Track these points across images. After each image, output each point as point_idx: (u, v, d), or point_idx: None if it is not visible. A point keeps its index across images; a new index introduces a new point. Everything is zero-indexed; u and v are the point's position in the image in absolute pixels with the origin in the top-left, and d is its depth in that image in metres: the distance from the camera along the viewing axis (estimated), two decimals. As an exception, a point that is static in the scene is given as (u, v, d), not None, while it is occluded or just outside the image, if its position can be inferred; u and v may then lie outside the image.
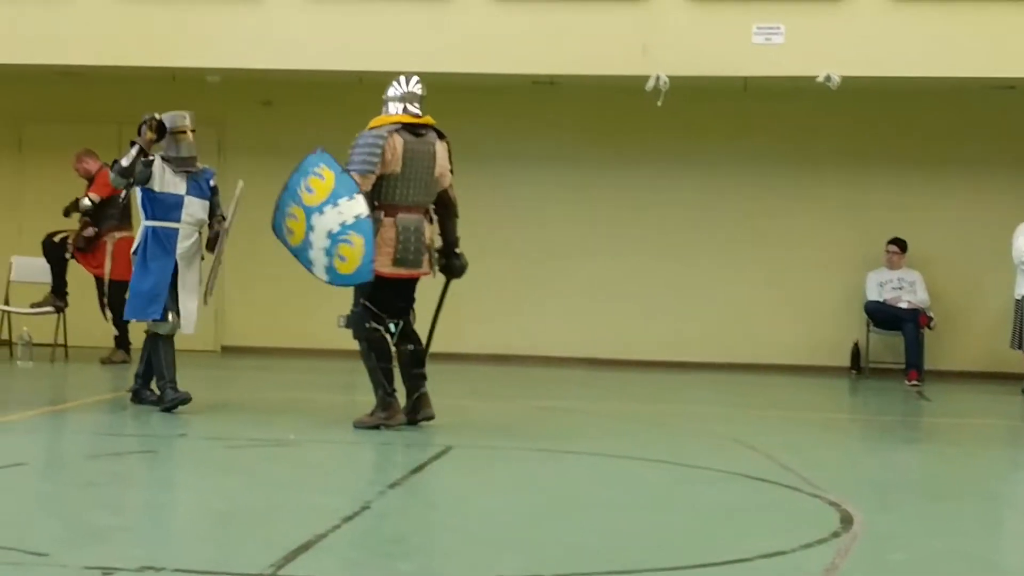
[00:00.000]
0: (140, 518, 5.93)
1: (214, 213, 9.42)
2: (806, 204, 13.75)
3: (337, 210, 8.09)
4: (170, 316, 9.13)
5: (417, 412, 8.49)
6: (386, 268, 8.30)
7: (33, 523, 5.73)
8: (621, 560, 5.30)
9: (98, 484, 6.73)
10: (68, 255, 12.35)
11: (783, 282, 13.72)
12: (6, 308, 12.83)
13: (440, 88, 12.19)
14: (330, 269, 8.21)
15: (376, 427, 8.33)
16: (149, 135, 9.10)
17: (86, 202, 12.09)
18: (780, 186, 13.77)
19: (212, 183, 9.50)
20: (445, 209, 8.62)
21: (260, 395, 10.85)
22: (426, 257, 8.48)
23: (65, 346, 12.70)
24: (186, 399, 9.12)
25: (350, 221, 8.07)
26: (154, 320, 9.17)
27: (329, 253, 8.16)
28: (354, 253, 8.09)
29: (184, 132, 9.32)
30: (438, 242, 8.65)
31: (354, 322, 8.47)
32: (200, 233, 9.35)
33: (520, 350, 13.81)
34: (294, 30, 12.42)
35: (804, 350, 13.60)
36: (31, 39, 12.49)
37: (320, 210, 8.15)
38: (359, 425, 8.38)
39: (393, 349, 8.49)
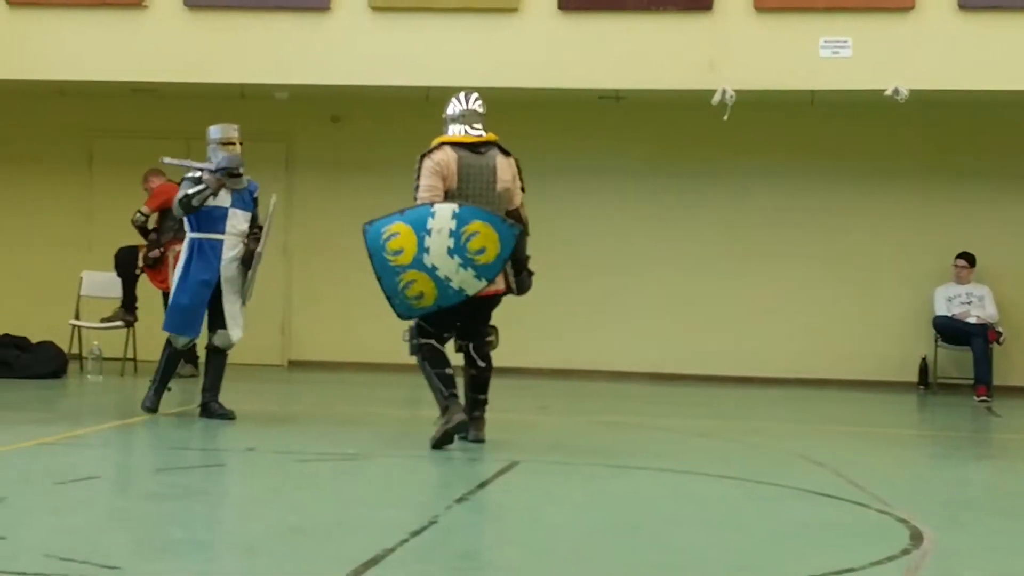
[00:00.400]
0: (210, 532, 5.98)
1: (253, 225, 9.56)
2: (874, 218, 13.67)
3: (434, 233, 7.93)
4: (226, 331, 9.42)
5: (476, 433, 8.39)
6: None
7: (105, 536, 5.78)
8: (689, 577, 5.30)
9: (168, 497, 6.79)
10: (138, 271, 12.50)
11: (850, 296, 13.64)
12: (77, 322, 12.99)
13: (506, 103, 12.24)
14: (480, 271, 8.00)
15: (443, 437, 8.14)
16: (224, 181, 9.37)
17: (138, 216, 12.25)
18: (847, 200, 13.70)
19: (255, 195, 9.62)
20: None
21: (327, 409, 10.92)
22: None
23: (135, 360, 12.84)
24: (154, 412, 9.60)
25: (454, 224, 7.95)
26: (176, 335, 9.51)
27: (467, 264, 7.97)
28: (485, 238, 7.95)
29: (232, 143, 9.49)
30: None
31: (408, 338, 8.37)
32: (243, 244, 9.48)
33: (585, 365, 13.82)
34: (362, 47, 12.50)
35: (872, 365, 13.51)
36: (102, 56, 12.66)
37: (424, 250, 7.95)
38: (433, 442, 8.15)
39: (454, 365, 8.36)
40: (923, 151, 13.63)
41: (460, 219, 7.95)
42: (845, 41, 12.08)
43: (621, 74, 12.34)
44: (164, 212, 12.08)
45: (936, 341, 13.18)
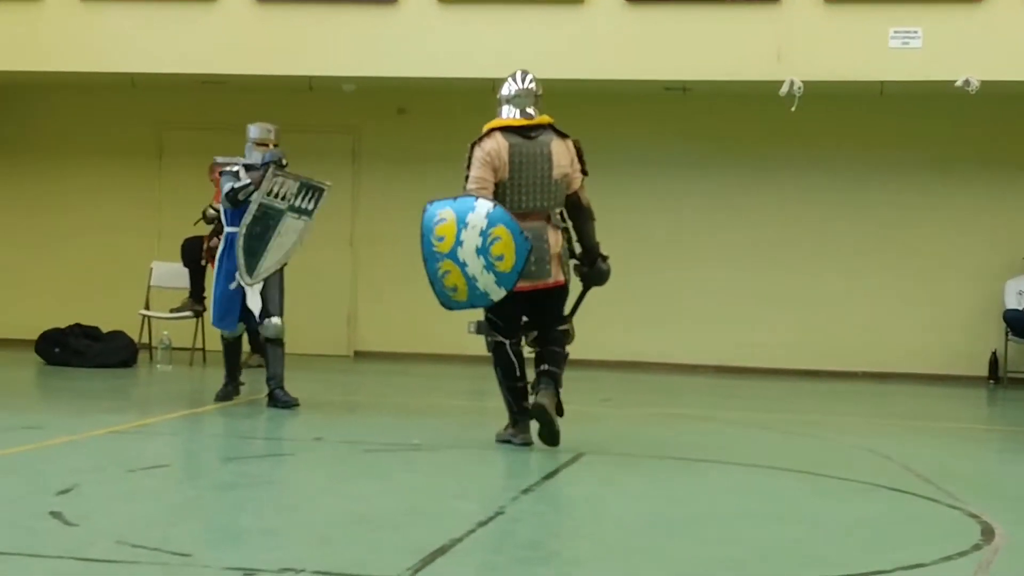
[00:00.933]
0: (279, 520, 6.02)
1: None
2: (943, 211, 13.54)
3: (470, 227, 7.62)
4: (278, 321, 9.60)
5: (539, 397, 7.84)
6: None
7: (176, 524, 5.84)
8: (758, 571, 5.26)
9: (237, 486, 6.85)
10: (203, 261, 12.61)
11: (919, 290, 13.52)
12: (146, 313, 13.13)
13: (573, 95, 12.23)
14: (499, 279, 7.58)
15: (507, 442, 8.05)
16: (263, 175, 9.53)
17: (211, 211, 12.36)
18: (917, 192, 13.57)
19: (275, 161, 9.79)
20: (579, 212, 8.03)
21: (393, 400, 10.96)
22: (554, 266, 7.85)
23: (203, 350, 12.96)
24: (229, 397, 9.95)
25: (485, 224, 7.56)
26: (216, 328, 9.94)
27: (489, 267, 7.58)
28: (505, 244, 7.53)
29: (265, 145, 9.73)
30: (578, 248, 8.12)
31: (475, 330, 8.07)
32: None
33: (649, 357, 13.78)
34: (428, 38, 12.53)
35: (940, 359, 13.39)
36: (172, 48, 12.78)
37: (459, 243, 7.60)
38: (498, 438, 8.12)
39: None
40: (993, 143, 13.47)
41: (491, 219, 7.57)
42: (915, 32, 11.96)
43: (688, 65, 12.29)
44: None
45: (1007, 335, 13.04)
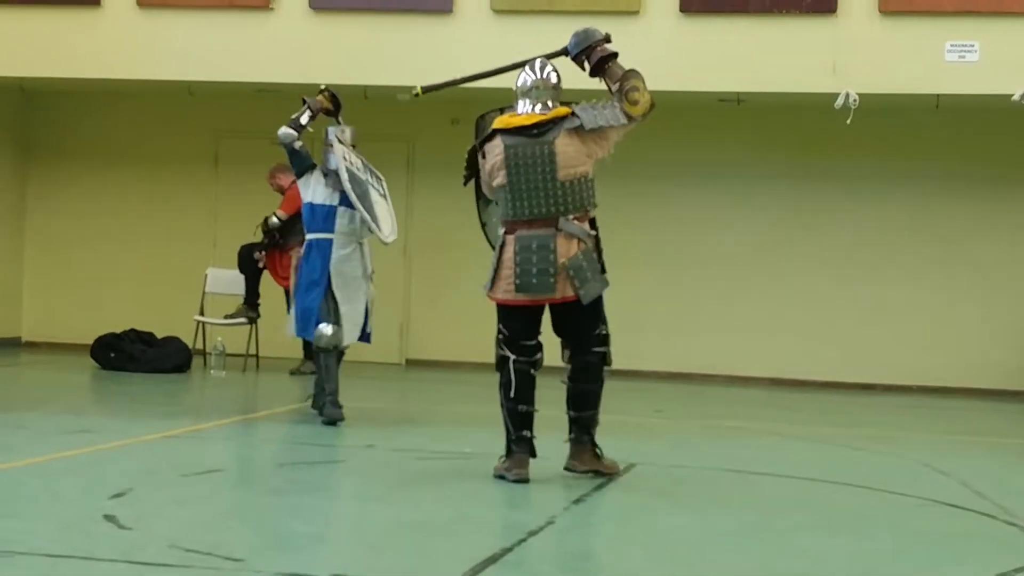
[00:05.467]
0: (331, 527, 6.04)
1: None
2: (1001, 224, 13.43)
3: None
4: (329, 330, 9.15)
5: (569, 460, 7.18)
6: (508, 294, 7.12)
7: (228, 529, 5.88)
8: (811, 584, 5.24)
9: (289, 492, 6.87)
10: (261, 265, 12.66)
11: (975, 303, 13.41)
12: (201, 319, 13.21)
13: (627, 105, 12.16)
14: None
15: (501, 477, 7.16)
16: (323, 101, 9.54)
17: (274, 220, 12.41)
18: (973, 206, 13.47)
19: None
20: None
21: (445, 408, 10.98)
22: (560, 280, 6.96)
23: (257, 356, 13.02)
24: (340, 419, 9.15)
25: None
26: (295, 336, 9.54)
27: None
28: None
29: (332, 146, 9.46)
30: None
31: (496, 347, 7.33)
32: (360, 244, 9.42)
33: (702, 368, 13.73)
34: (482, 48, 12.53)
35: (998, 374, 13.27)
36: (229, 57, 12.87)
37: None
38: (494, 472, 7.23)
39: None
40: (1051, 157, 13.37)
41: None
42: (972, 45, 11.87)
43: (742, 77, 12.25)
44: (292, 216, 12.23)
45: (1067, 350, 12.93)
